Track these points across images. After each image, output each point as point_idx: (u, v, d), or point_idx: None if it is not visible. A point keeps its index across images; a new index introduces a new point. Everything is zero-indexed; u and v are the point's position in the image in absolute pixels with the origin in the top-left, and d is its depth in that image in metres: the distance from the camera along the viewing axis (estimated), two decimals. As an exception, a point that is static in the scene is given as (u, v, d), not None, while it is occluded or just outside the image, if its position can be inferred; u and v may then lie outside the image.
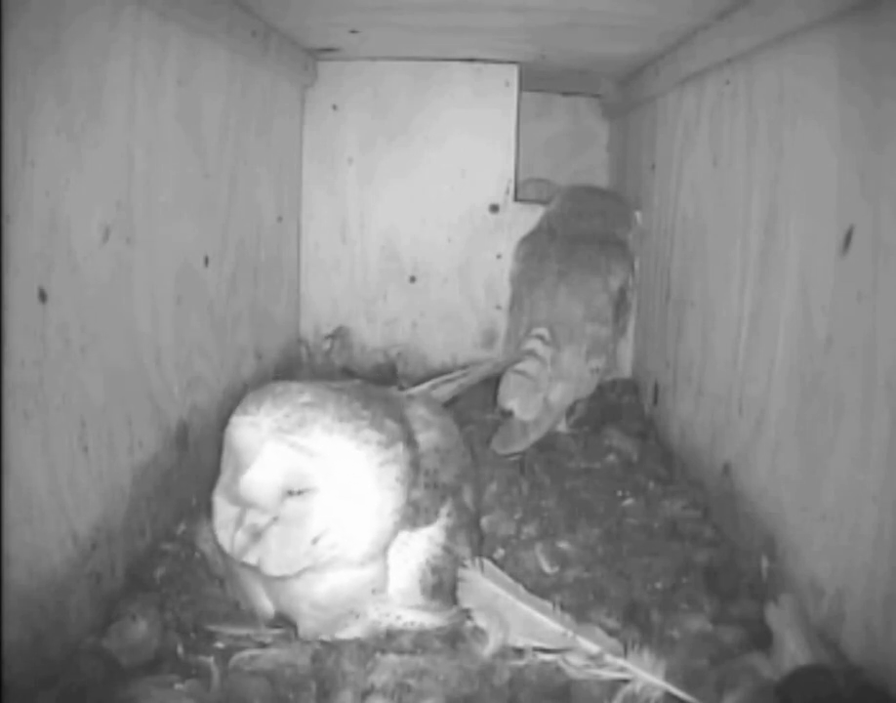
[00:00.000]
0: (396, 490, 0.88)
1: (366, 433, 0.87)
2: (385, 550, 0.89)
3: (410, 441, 0.93)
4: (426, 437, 0.97)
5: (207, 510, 1.00)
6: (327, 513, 0.84)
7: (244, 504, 0.84)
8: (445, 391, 1.27)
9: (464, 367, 1.89)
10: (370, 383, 1.19)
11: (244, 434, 0.84)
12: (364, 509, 0.86)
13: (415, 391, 1.19)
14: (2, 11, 0.72)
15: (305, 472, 0.83)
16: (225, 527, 0.85)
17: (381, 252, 1.95)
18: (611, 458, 1.49)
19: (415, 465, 0.92)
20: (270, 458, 0.82)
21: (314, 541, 0.84)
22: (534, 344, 1.47)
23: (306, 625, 0.90)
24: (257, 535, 0.84)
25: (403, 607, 0.92)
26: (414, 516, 0.91)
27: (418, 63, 1.87)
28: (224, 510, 0.87)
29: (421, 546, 0.92)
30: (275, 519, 0.84)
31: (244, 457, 0.83)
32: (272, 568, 0.85)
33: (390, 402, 0.99)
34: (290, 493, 0.83)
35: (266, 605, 0.93)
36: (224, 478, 0.88)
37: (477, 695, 0.84)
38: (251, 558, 0.84)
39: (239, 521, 0.84)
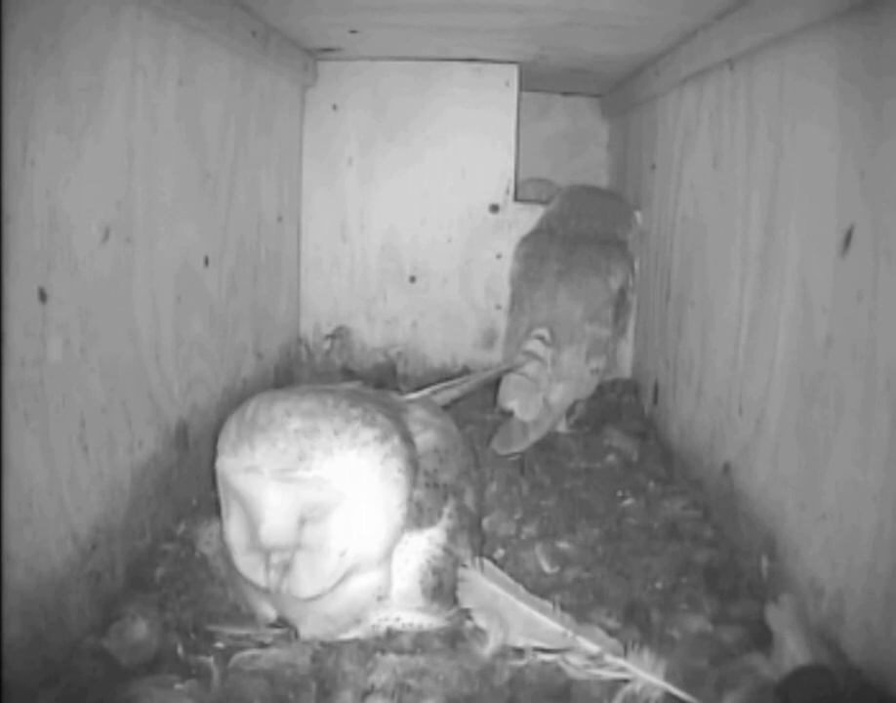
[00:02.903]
0: (401, 483, 0.88)
1: (362, 434, 0.86)
2: (391, 550, 0.90)
3: (406, 438, 0.93)
4: (424, 438, 0.97)
5: (207, 510, 1.00)
6: (346, 527, 0.85)
7: (267, 550, 0.84)
8: (446, 396, 1.27)
9: (463, 368, 1.90)
10: (368, 385, 1.19)
11: (246, 481, 0.83)
12: (376, 509, 0.87)
13: (415, 396, 1.19)
14: (3, 11, 0.72)
15: (316, 501, 0.83)
16: (254, 570, 0.86)
17: (381, 252, 1.95)
18: (611, 458, 1.49)
19: (413, 461, 0.92)
20: (281, 503, 0.82)
21: (342, 555, 0.85)
22: (534, 344, 1.47)
23: (310, 631, 0.91)
24: (286, 567, 0.85)
25: (403, 609, 0.92)
26: (417, 516, 0.91)
27: (418, 63, 1.87)
28: (245, 557, 0.87)
29: (421, 547, 0.92)
30: (298, 546, 0.84)
31: (253, 506, 0.83)
32: (307, 592, 0.85)
33: (386, 403, 0.99)
34: (306, 519, 0.84)
35: (269, 612, 0.93)
36: (234, 523, 0.87)
37: (477, 695, 0.84)
38: (284, 588, 0.85)
39: (267, 563, 0.84)
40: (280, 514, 0.82)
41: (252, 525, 0.84)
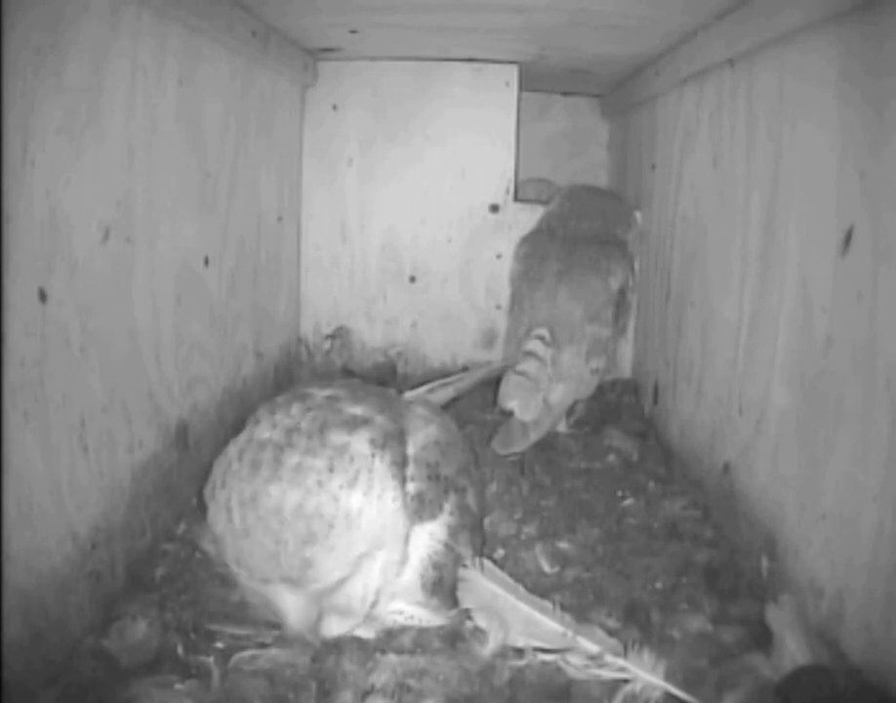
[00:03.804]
0: (397, 504, 0.87)
1: (354, 501, 0.83)
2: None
3: (390, 436, 0.91)
4: (426, 433, 0.97)
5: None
6: (364, 578, 0.87)
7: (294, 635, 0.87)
8: (442, 394, 1.27)
9: (463, 368, 1.90)
10: (368, 383, 1.19)
11: (258, 588, 0.85)
12: (385, 543, 0.87)
13: (411, 394, 1.19)
14: (3, 11, 0.72)
15: (330, 586, 0.84)
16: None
17: (381, 252, 1.95)
18: (611, 458, 1.49)
19: (402, 462, 0.91)
20: (298, 603, 0.83)
21: (364, 599, 0.88)
22: (534, 344, 1.47)
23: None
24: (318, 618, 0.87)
25: (403, 602, 0.92)
26: (419, 508, 0.91)
27: (418, 63, 1.87)
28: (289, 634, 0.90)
29: (422, 541, 0.92)
30: (323, 609, 0.87)
31: (272, 607, 0.86)
32: (340, 631, 0.90)
33: (383, 397, 0.99)
34: (325, 592, 0.85)
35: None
36: (265, 608, 0.90)
37: (477, 695, 0.84)
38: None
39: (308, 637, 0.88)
40: (301, 608, 0.84)
41: (274, 614, 0.87)
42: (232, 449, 0.88)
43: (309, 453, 0.84)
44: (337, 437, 0.86)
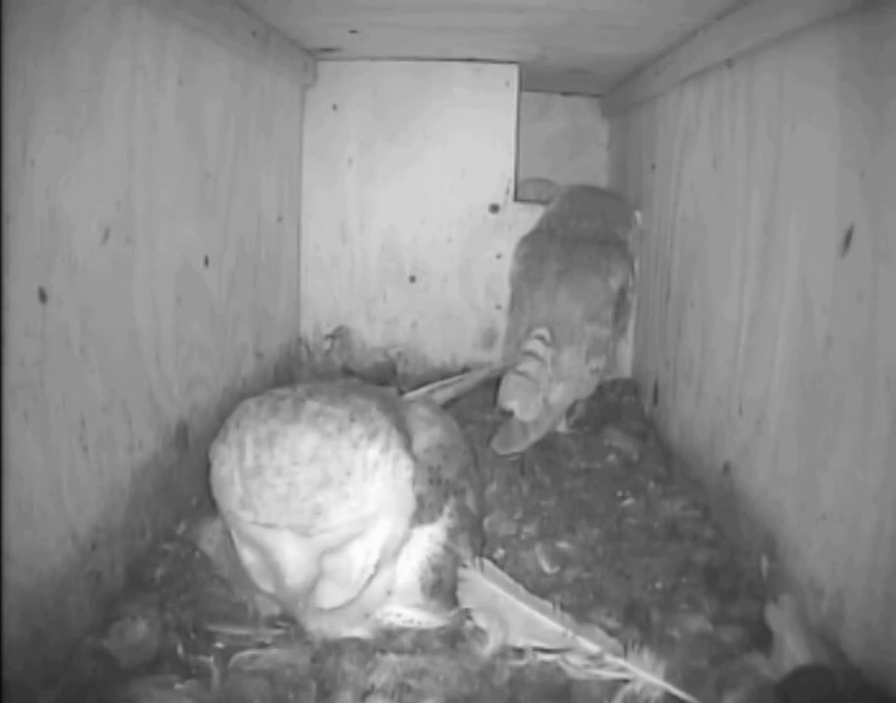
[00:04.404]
0: (409, 474, 0.87)
1: (370, 454, 0.82)
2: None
3: (398, 425, 0.90)
4: (429, 435, 0.97)
5: (207, 510, 1.00)
6: (367, 546, 0.85)
7: (291, 594, 0.85)
8: (442, 395, 1.27)
9: (463, 368, 1.90)
10: (369, 382, 1.19)
11: (261, 534, 0.81)
12: (393, 514, 0.86)
13: (413, 395, 1.19)
14: (3, 11, 0.72)
15: (336, 540, 0.82)
16: (293, 601, 0.87)
17: (381, 252, 1.95)
18: (611, 458, 1.49)
19: (408, 446, 0.90)
20: (301, 554, 0.81)
21: (364, 569, 0.86)
22: (534, 344, 1.47)
23: (317, 625, 0.91)
24: (311, 589, 0.85)
25: (402, 605, 0.92)
26: (419, 511, 0.91)
27: (418, 63, 1.87)
28: (264, 579, 0.88)
29: (422, 544, 0.92)
30: (321, 573, 0.84)
31: (271, 557, 0.82)
32: (333, 604, 0.87)
33: (386, 398, 0.99)
34: (327, 551, 0.83)
35: (275, 607, 0.93)
36: (248, 553, 0.87)
37: (477, 695, 0.84)
38: (310, 605, 0.87)
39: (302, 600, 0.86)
40: (301, 563, 0.81)
41: (271, 568, 0.84)
42: (250, 401, 0.88)
43: (331, 404, 0.84)
44: (358, 400, 0.86)
